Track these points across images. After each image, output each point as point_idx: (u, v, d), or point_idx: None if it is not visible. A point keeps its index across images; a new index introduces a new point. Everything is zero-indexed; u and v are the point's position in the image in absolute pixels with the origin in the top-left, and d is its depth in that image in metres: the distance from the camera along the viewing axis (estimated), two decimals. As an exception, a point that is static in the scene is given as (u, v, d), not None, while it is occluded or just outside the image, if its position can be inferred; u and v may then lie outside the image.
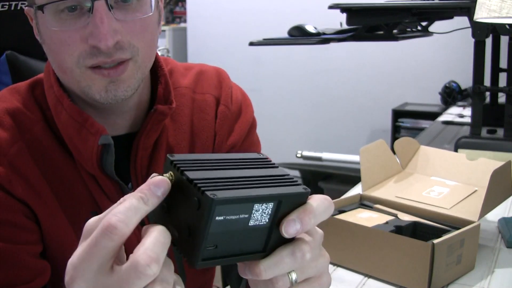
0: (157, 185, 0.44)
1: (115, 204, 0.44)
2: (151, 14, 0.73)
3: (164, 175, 0.46)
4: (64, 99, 0.75)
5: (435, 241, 0.91)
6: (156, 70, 0.82)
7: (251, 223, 0.46)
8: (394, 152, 1.30)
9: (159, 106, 0.79)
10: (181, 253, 0.46)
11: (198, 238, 0.44)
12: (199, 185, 0.44)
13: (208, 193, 0.43)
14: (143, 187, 0.44)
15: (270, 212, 0.47)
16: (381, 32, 2.08)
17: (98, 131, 0.73)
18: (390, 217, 1.09)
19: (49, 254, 0.76)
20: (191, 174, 0.45)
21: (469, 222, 1.02)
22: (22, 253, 0.70)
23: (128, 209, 0.42)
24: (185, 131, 0.85)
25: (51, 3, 0.68)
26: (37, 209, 0.74)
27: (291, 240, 0.49)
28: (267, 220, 0.47)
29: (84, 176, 0.76)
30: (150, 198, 0.43)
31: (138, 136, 0.79)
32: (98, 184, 0.77)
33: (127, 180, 0.79)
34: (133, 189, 0.79)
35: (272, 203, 0.46)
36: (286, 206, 0.47)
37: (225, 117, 0.87)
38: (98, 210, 0.77)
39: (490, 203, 1.07)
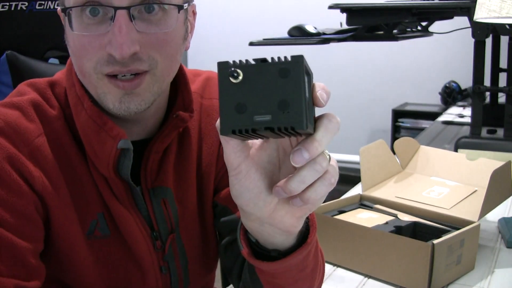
0: None
1: None
2: (174, 28, 0.72)
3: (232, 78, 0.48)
4: (85, 100, 0.75)
5: (435, 241, 0.91)
6: (177, 78, 0.82)
7: (307, 94, 0.49)
8: (394, 152, 1.30)
9: (180, 113, 0.79)
10: (284, 130, 0.48)
11: (298, 99, 0.47)
12: (274, 58, 0.47)
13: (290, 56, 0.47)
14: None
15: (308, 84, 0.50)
16: (381, 32, 2.08)
17: (118, 135, 0.73)
18: (390, 218, 1.09)
19: (53, 251, 0.76)
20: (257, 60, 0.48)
21: (469, 222, 1.02)
22: (23, 250, 0.70)
23: None
24: (194, 136, 0.85)
25: (77, 7, 0.68)
26: (51, 205, 0.74)
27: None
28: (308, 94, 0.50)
29: (95, 176, 0.77)
30: None
31: (153, 139, 0.80)
32: (109, 185, 0.77)
33: (136, 183, 0.79)
34: (142, 191, 0.80)
35: (306, 77, 0.50)
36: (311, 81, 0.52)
37: None
38: (106, 211, 0.78)
39: (490, 203, 1.07)
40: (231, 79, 0.48)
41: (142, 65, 0.70)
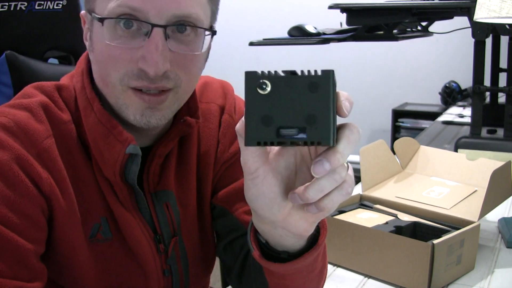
0: None
1: None
2: (202, 51, 0.74)
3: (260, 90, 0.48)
4: (95, 103, 0.75)
5: (435, 241, 0.91)
6: None
7: (334, 109, 0.50)
8: (394, 152, 1.30)
9: (188, 118, 0.80)
10: (312, 143, 0.48)
11: (326, 115, 0.47)
12: (304, 71, 0.47)
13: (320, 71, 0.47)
14: None
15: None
16: (381, 32, 2.08)
17: (126, 140, 0.74)
18: (390, 217, 1.09)
19: (53, 254, 0.76)
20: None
21: (469, 222, 1.02)
22: (27, 251, 0.69)
23: None
24: (192, 140, 0.85)
25: (111, 18, 0.68)
26: (56, 207, 0.73)
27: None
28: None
29: (99, 180, 0.76)
30: None
31: (157, 144, 0.80)
32: (113, 189, 0.77)
33: (138, 187, 0.79)
34: (145, 195, 0.80)
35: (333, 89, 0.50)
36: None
37: (228, 125, 0.88)
38: (109, 215, 0.77)
39: (490, 203, 1.07)
40: (259, 90, 0.47)
41: (169, 83, 0.71)
